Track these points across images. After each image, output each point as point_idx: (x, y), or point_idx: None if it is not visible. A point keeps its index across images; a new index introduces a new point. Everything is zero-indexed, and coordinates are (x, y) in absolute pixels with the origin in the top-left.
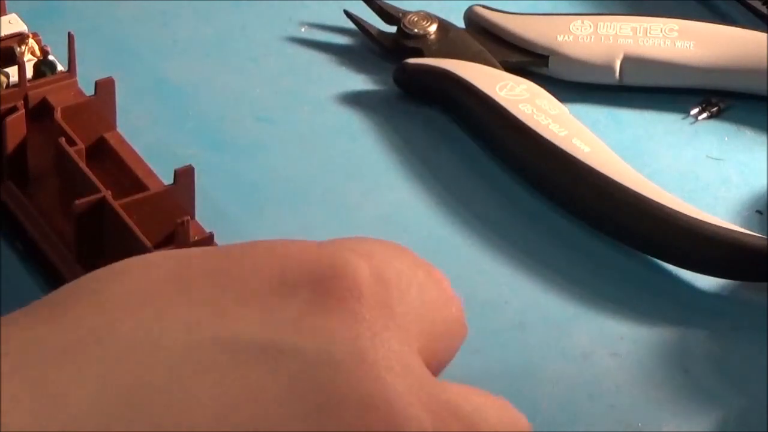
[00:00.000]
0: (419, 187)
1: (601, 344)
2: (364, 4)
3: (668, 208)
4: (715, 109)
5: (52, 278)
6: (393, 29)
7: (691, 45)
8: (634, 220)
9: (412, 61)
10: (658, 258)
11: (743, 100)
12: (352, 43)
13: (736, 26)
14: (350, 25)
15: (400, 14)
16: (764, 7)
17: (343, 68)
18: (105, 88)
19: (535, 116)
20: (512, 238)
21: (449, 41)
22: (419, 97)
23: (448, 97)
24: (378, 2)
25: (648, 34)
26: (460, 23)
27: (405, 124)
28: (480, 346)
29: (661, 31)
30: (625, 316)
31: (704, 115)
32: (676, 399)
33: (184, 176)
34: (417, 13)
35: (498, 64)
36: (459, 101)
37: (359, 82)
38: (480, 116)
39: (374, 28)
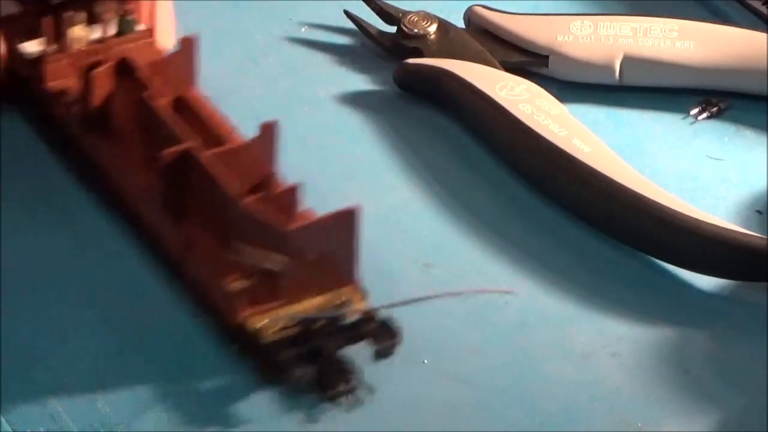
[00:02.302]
0: (419, 187)
1: (601, 344)
2: (364, 4)
3: (668, 208)
4: (715, 109)
5: (138, 230)
6: (393, 29)
7: (691, 45)
8: (634, 220)
9: (412, 61)
10: (658, 258)
11: (743, 100)
12: (352, 43)
13: (736, 26)
14: (350, 25)
15: (400, 14)
16: (764, 7)
17: (343, 68)
18: (187, 45)
19: (535, 116)
20: (512, 238)
21: (449, 41)
22: (419, 97)
23: (448, 97)
24: (378, 2)
25: (648, 34)
26: (460, 23)
27: (405, 124)
28: (480, 346)
29: (661, 31)
30: (625, 316)
31: (704, 115)
32: (676, 399)
33: (268, 130)
34: (417, 13)
35: (498, 64)
36: (459, 101)
37: (359, 82)
38: (480, 116)
39: (374, 28)
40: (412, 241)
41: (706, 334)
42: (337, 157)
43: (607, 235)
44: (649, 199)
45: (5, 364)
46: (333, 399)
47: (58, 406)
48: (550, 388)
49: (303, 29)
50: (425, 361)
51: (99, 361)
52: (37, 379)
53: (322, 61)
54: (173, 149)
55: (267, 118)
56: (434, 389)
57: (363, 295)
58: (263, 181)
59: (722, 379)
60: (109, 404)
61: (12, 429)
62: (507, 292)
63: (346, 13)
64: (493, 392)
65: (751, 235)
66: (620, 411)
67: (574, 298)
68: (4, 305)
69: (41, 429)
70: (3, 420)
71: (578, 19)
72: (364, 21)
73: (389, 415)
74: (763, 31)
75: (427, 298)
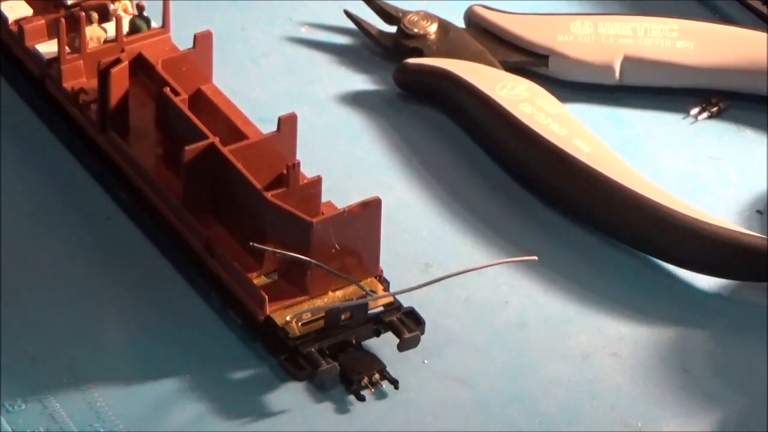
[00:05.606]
0: (419, 187)
1: (601, 344)
2: (364, 4)
3: (668, 208)
4: (715, 109)
5: (158, 225)
6: (393, 29)
7: (691, 45)
8: (634, 220)
9: (412, 61)
10: (658, 258)
11: (743, 100)
12: (352, 43)
13: (736, 26)
14: (350, 25)
15: (400, 14)
16: (764, 7)
17: (343, 68)
18: (203, 41)
19: (535, 116)
20: (512, 238)
21: (449, 41)
22: (419, 97)
23: (448, 97)
24: (378, 2)
25: (648, 34)
26: (460, 23)
27: (405, 124)
28: (480, 345)
29: (661, 31)
30: (625, 316)
31: (704, 115)
32: (676, 399)
33: (287, 124)
34: (417, 13)
35: (498, 64)
36: (459, 101)
37: (359, 82)
38: (480, 116)
39: (374, 28)
40: (412, 241)
41: (706, 334)
42: (337, 157)
43: (607, 235)
44: (649, 199)
45: (5, 364)
46: (357, 393)
47: (58, 406)
48: (550, 388)
49: (303, 29)
50: (425, 361)
51: (101, 360)
52: (37, 379)
53: (322, 61)
54: (197, 145)
55: (267, 118)
56: (434, 389)
57: (385, 286)
58: (281, 175)
59: (722, 378)
60: (109, 404)
61: (12, 429)
62: (528, 260)
63: (346, 13)
64: (493, 392)
65: (751, 235)
66: (620, 411)
67: (574, 298)
68: (5, 305)
69: (41, 429)
70: (3, 420)
71: (578, 19)
72: (364, 21)
73: (389, 414)
74: (763, 31)
75: (449, 276)
